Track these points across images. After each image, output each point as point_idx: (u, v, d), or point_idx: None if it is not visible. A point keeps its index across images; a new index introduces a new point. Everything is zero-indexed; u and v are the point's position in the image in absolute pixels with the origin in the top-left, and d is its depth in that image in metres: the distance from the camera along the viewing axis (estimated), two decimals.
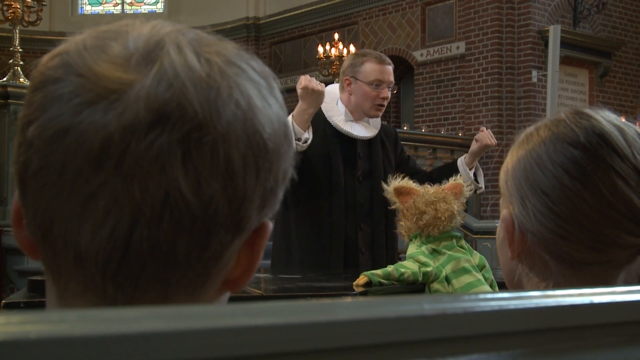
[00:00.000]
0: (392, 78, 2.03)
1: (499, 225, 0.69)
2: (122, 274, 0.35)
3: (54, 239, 0.35)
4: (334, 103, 2.04)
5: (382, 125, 2.12)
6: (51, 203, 0.34)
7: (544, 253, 0.63)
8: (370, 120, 2.06)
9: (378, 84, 1.98)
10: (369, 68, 1.98)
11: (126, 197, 0.33)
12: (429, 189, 1.45)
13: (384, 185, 1.50)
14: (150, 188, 0.33)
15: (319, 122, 1.99)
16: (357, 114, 2.03)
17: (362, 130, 2.04)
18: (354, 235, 1.99)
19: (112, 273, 0.35)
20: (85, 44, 0.36)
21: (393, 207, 1.50)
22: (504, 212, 0.66)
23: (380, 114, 2.04)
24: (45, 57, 0.37)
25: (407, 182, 1.47)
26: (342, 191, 1.97)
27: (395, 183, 1.47)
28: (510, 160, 0.66)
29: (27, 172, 0.35)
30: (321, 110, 2.01)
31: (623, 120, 0.65)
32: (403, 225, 1.47)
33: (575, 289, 0.37)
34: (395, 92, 2.08)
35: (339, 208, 1.96)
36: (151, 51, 0.35)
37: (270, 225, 0.40)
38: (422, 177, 1.97)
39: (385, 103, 2.03)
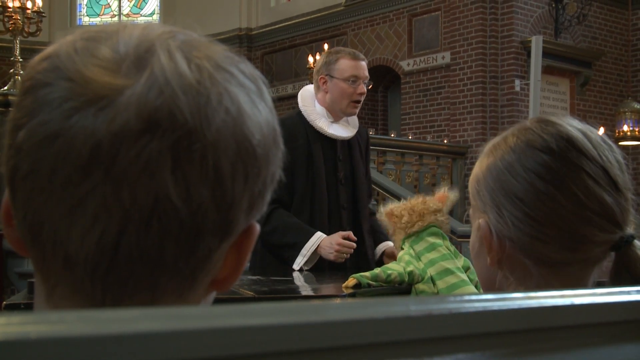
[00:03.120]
0: (367, 73, 1.97)
1: (472, 234, 0.69)
2: (111, 278, 0.34)
3: (43, 241, 0.34)
4: (313, 105, 2.00)
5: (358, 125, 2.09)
6: (40, 207, 0.34)
7: (523, 257, 0.64)
8: (349, 119, 2.03)
9: (354, 79, 1.94)
10: (344, 64, 1.94)
11: (115, 203, 0.33)
12: (415, 205, 1.45)
13: (380, 209, 1.50)
14: (139, 194, 0.33)
15: (300, 126, 1.95)
16: (335, 113, 1.99)
17: (343, 131, 2.01)
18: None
19: (101, 276, 0.34)
20: (75, 46, 0.35)
21: (390, 227, 1.49)
22: (480, 221, 0.66)
23: (357, 111, 2.00)
24: (35, 59, 0.36)
25: (395, 207, 1.48)
26: (326, 195, 1.95)
27: (387, 209, 1.47)
28: (479, 170, 0.67)
29: (17, 175, 0.34)
30: (302, 114, 1.98)
31: (586, 125, 0.67)
32: (400, 234, 1.46)
33: (556, 290, 0.38)
34: (370, 87, 2.04)
35: (322, 212, 1.94)
36: (141, 56, 0.34)
37: (258, 226, 0.39)
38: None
39: (362, 99, 1.98)
